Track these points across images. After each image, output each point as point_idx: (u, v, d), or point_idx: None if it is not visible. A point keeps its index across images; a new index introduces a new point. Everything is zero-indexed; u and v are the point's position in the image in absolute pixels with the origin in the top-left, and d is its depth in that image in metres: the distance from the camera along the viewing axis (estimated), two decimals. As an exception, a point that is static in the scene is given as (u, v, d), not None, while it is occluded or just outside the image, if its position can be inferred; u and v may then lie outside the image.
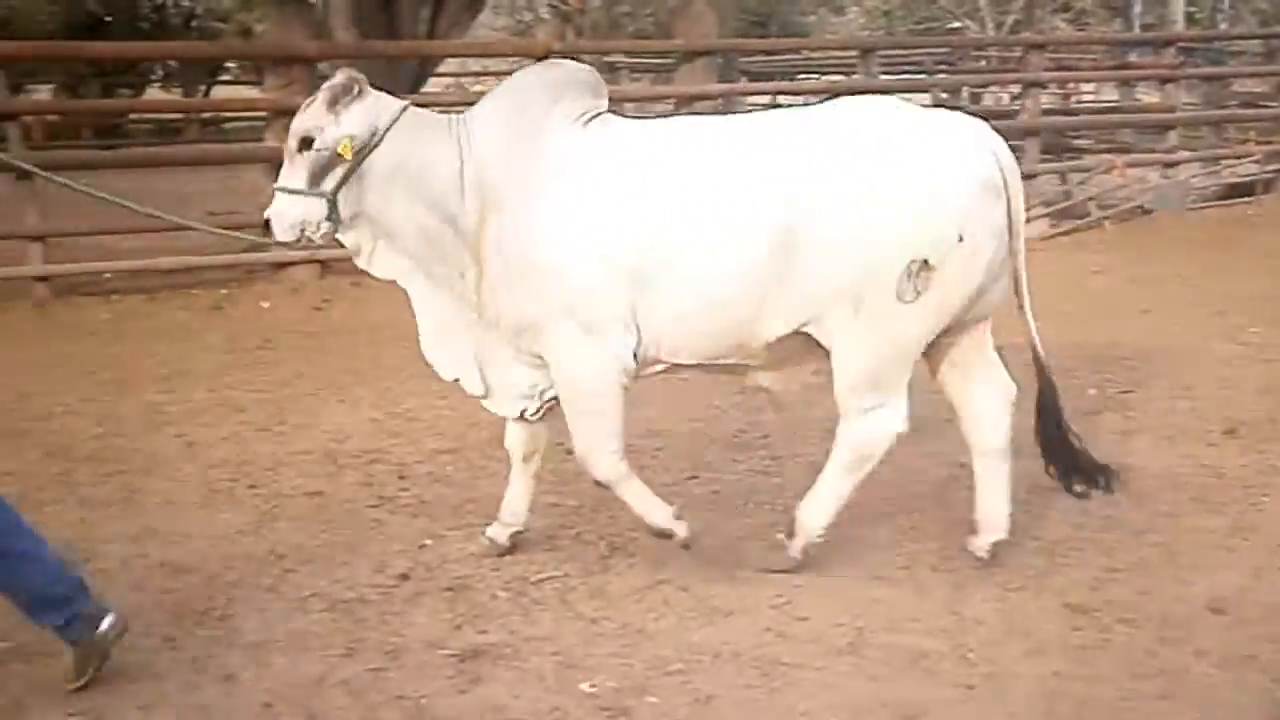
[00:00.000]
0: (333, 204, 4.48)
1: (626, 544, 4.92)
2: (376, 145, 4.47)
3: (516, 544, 4.88)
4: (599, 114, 4.59)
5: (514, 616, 4.36)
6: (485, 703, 3.81)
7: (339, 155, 4.45)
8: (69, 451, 6.12)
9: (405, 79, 12.20)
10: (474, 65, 25.04)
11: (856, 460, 4.52)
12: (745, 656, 4.07)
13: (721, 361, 4.56)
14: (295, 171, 4.50)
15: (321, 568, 4.77)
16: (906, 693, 3.85)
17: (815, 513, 4.61)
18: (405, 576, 4.68)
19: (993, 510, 4.67)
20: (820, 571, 4.62)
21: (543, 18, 28.03)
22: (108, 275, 10.25)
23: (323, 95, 4.50)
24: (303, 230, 4.51)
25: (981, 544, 4.68)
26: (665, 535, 4.67)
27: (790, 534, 4.66)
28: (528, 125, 4.50)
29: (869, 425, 4.46)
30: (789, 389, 4.69)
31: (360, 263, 4.68)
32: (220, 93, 25.16)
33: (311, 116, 4.49)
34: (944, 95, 17.83)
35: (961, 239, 4.28)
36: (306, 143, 4.47)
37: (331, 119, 4.46)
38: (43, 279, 9.85)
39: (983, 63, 22.77)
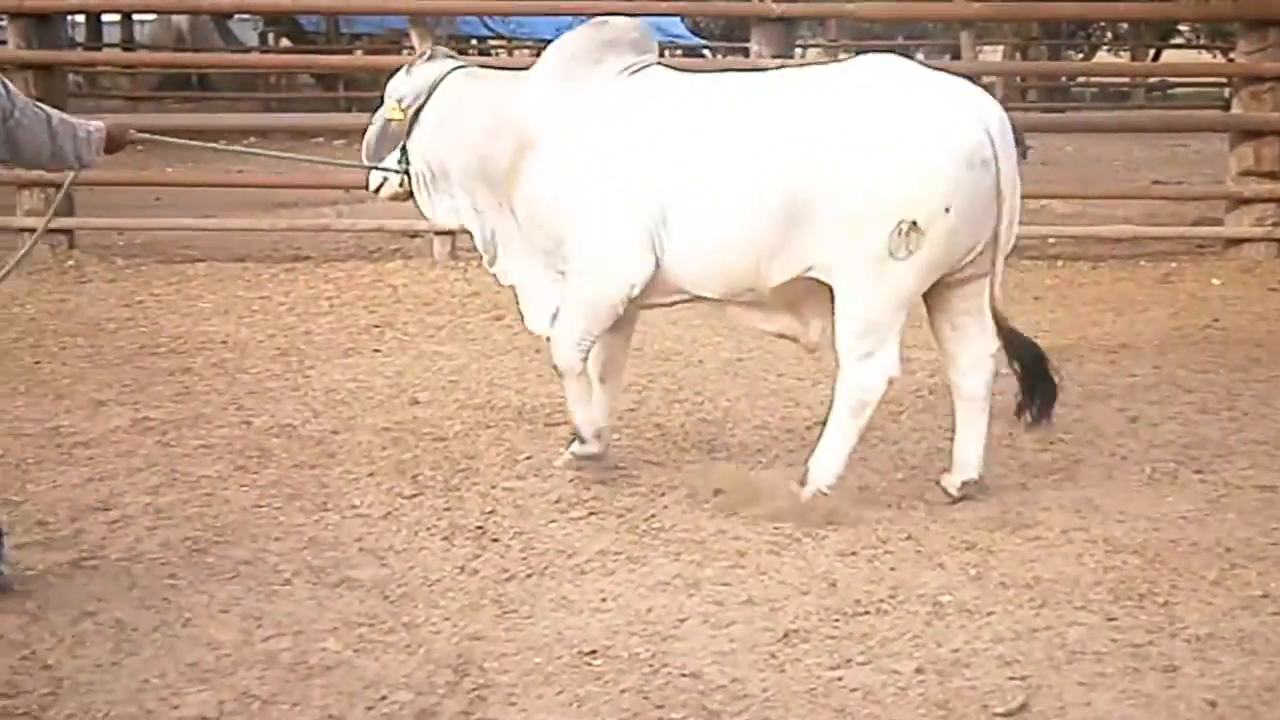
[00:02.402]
0: (404, 151, 5.45)
1: None
2: (426, 102, 5.38)
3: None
4: (644, 67, 5.19)
5: None
6: None
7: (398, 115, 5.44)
8: (1012, 415, 6.24)
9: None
10: None
11: (856, 406, 4.94)
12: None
13: (739, 298, 5.09)
14: (380, 130, 5.56)
15: (1273, 567, 4.56)
16: None
17: (824, 462, 5.01)
18: None
19: (968, 452, 5.13)
20: None
21: None
22: (1052, 240, 10.44)
23: (405, 67, 5.55)
24: (384, 180, 5.55)
25: (953, 481, 5.14)
26: (579, 439, 5.34)
27: (802, 482, 5.02)
28: (573, 78, 5.18)
29: (864, 371, 4.91)
30: (808, 337, 5.14)
31: (423, 206, 5.56)
32: (1169, 57, 24.70)
33: (396, 82, 5.51)
34: None
35: (948, 210, 4.70)
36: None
37: (406, 80, 5.47)
38: (990, 240, 10.20)
39: None
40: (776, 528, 4.84)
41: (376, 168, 5.56)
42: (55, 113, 4.39)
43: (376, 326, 8.15)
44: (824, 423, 5.11)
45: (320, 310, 8.64)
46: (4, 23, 13.32)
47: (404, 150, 5.46)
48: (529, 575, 4.48)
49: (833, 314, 4.95)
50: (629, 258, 5.05)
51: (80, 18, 26.88)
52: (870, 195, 4.73)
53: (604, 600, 4.28)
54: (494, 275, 5.61)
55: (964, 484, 5.15)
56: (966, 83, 5.03)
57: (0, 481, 5.29)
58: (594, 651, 3.91)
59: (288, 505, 5.06)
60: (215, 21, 27.52)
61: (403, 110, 5.44)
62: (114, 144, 4.54)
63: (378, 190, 5.64)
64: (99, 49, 26.42)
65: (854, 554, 4.64)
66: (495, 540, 4.76)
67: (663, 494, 5.22)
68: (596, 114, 5.12)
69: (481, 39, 27.44)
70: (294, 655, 3.88)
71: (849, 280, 4.84)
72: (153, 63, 23.14)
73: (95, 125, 4.48)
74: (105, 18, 28.77)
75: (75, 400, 6.49)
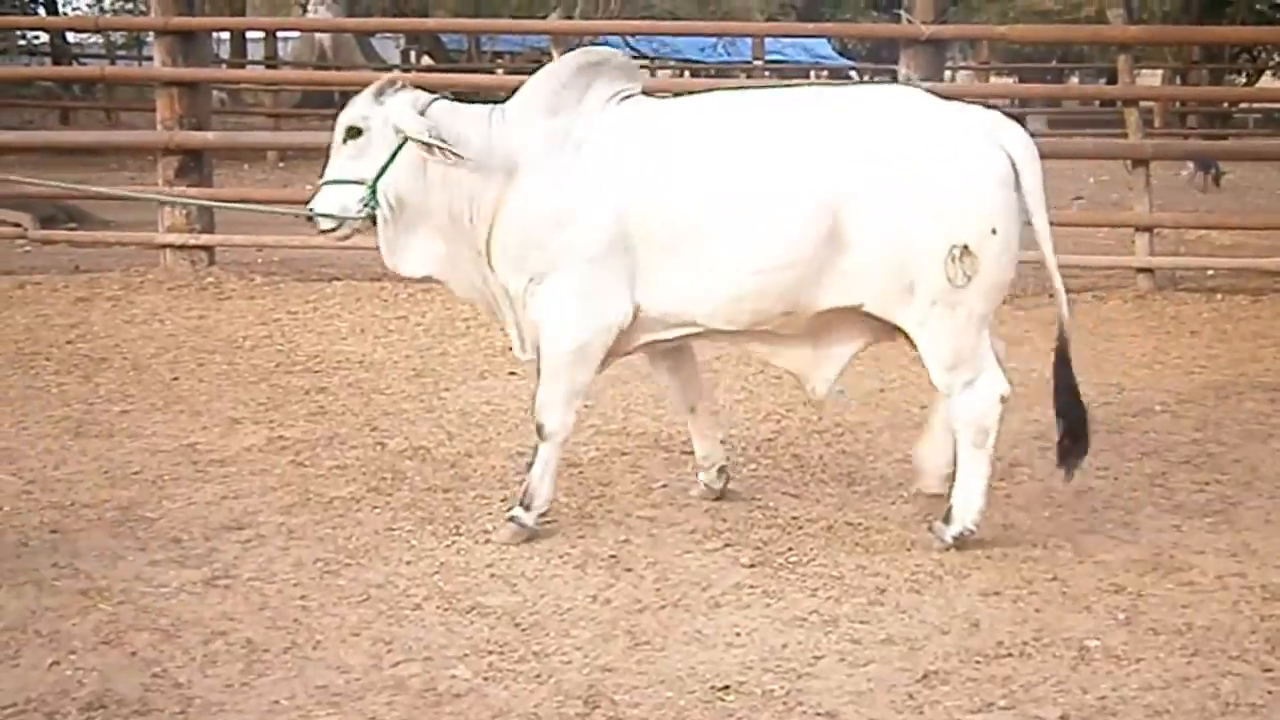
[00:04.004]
0: (373, 191, 5.03)
1: None
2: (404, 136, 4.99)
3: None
4: (630, 95, 5.09)
5: None
6: None
7: (381, 143, 5.01)
8: (1166, 454, 6.18)
9: None
10: None
11: (979, 434, 4.92)
12: None
13: (758, 330, 5.03)
14: (339, 162, 5.11)
15: None
16: None
17: (966, 499, 4.95)
18: None
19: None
20: None
21: None
22: (1210, 272, 10.24)
23: (370, 90, 5.08)
24: (342, 219, 5.08)
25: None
26: (526, 505, 5.03)
27: (947, 520, 4.97)
28: (559, 105, 5.04)
29: (973, 400, 4.91)
30: (823, 376, 5.13)
31: (385, 253, 5.14)
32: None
33: (358, 108, 5.08)
34: None
35: (994, 231, 4.78)
36: (354, 132, 5.07)
37: (377, 108, 5.04)
38: (1146, 270, 10.05)
39: None
40: (918, 565, 4.80)
41: (336, 217, 5.11)
42: None
43: (511, 349, 8.19)
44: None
45: (456, 331, 8.74)
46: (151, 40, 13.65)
47: (373, 189, 5.06)
48: (662, 607, 4.48)
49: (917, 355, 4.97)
50: (608, 295, 4.97)
51: (225, 35, 27.56)
52: (918, 229, 4.75)
53: (738, 635, 4.27)
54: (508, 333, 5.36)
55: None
56: (977, 107, 5.07)
57: (136, 498, 5.43)
58: (727, 687, 3.90)
59: (420, 529, 5.12)
60: (358, 39, 28.06)
61: (393, 138, 5.04)
62: None
63: (327, 231, 5.20)
64: (242, 66, 27.05)
65: (997, 594, 4.58)
66: (629, 570, 4.77)
67: (800, 527, 5.20)
68: (588, 142, 5.00)
69: (622, 59, 27.61)
70: (423, 681, 3.92)
71: (920, 320, 4.86)
72: (295, 80, 23.62)
73: None
74: (250, 35, 29.49)
75: (211, 417, 6.63)
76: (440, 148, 4.93)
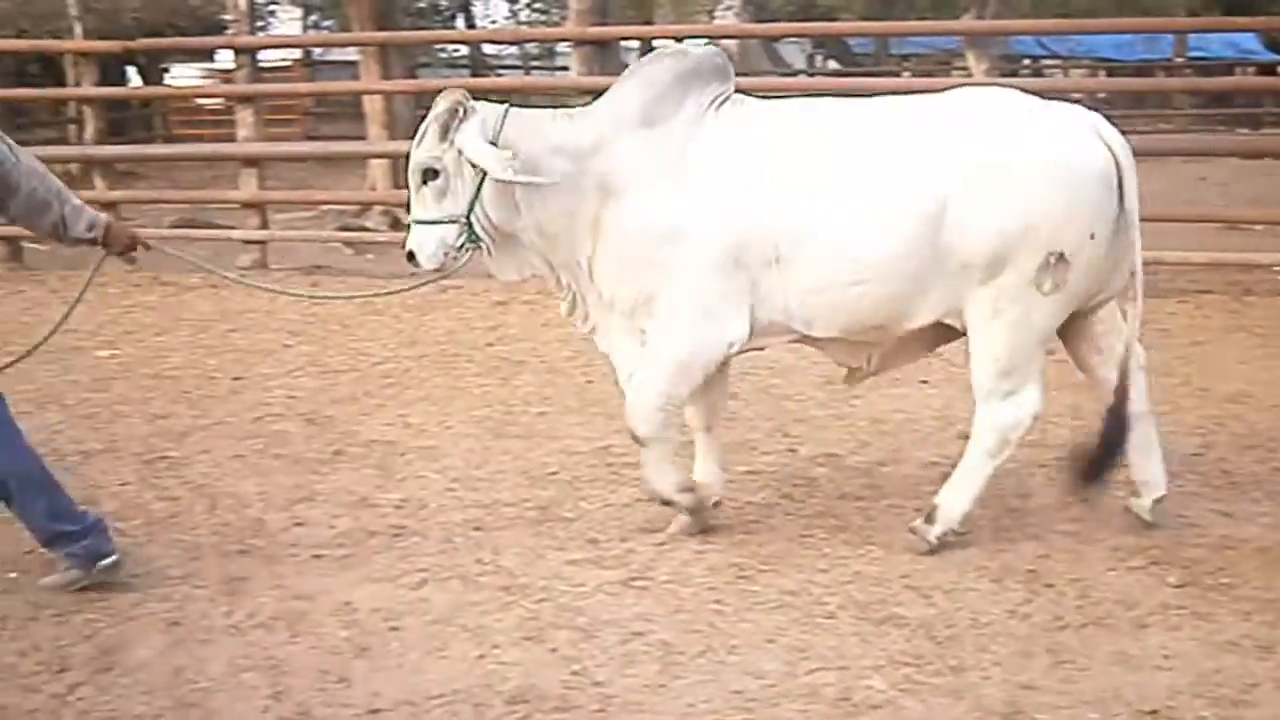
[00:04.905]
0: (469, 223, 4.91)
1: None
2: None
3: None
4: (729, 97, 4.98)
5: None
6: None
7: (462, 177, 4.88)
8: None
9: None
10: None
11: (998, 444, 4.93)
12: None
13: (859, 337, 4.97)
14: (424, 203, 4.95)
15: None
16: None
17: (956, 499, 4.99)
18: None
19: (1150, 470, 5.12)
20: None
21: None
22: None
23: (433, 127, 4.91)
24: (446, 256, 4.96)
25: (1144, 504, 5.14)
26: (666, 502, 5.13)
27: (929, 520, 4.98)
28: (658, 113, 4.92)
29: (1009, 409, 4.88)
30: (876, 372, 5.21)
31: (493, 269, 5.14)
32: None
33: (427, 149, 4.92)
34: None
35: (1093, 236, 4.70)
36: (431, 174, 4.92)
37: (448, 146, 4.87)
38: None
39: None
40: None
41: (435, 271, 5.05)
42: (67, 190, 4.71)
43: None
44: None
45: (865, 338, 8.70)
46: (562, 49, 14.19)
47: (469, 222, 4.96)
48: (1084, 625, 4.37)
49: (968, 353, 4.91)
50: (729, 313, 4.88)
51: (634, 44, 28.33)
52: (1020, 229, 4.67)
53: (1166, 657, 4.13)
54: (590, 338, 5.32)
55: (1155, 502, 5.12)
56: (1079, 107, 4.97)
57: (555, 498, 5.64)
58: (1154, 712, 3.79)
59: (833, 537, 5.14)
60: (763, 44, 28.36)
61: (474, 166, 4.90)
62: (112, 239, 4.80)
63: (431, 271, 5.07)
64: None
65: None
66: (1049, 585, 4.67)
67: (1233, 547, 4.99)
68: (689, 154, 4.90)
69: (1035, 58, 27.05)
70: (838, 691, 3.94)
71: (988, 320, 4.78)
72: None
73: (101, 216, 4.78)
74: (657, 43, 30.20)
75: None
76: (527, 181, 4.85)
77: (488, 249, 5.06)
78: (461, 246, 4.99)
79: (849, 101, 5.12)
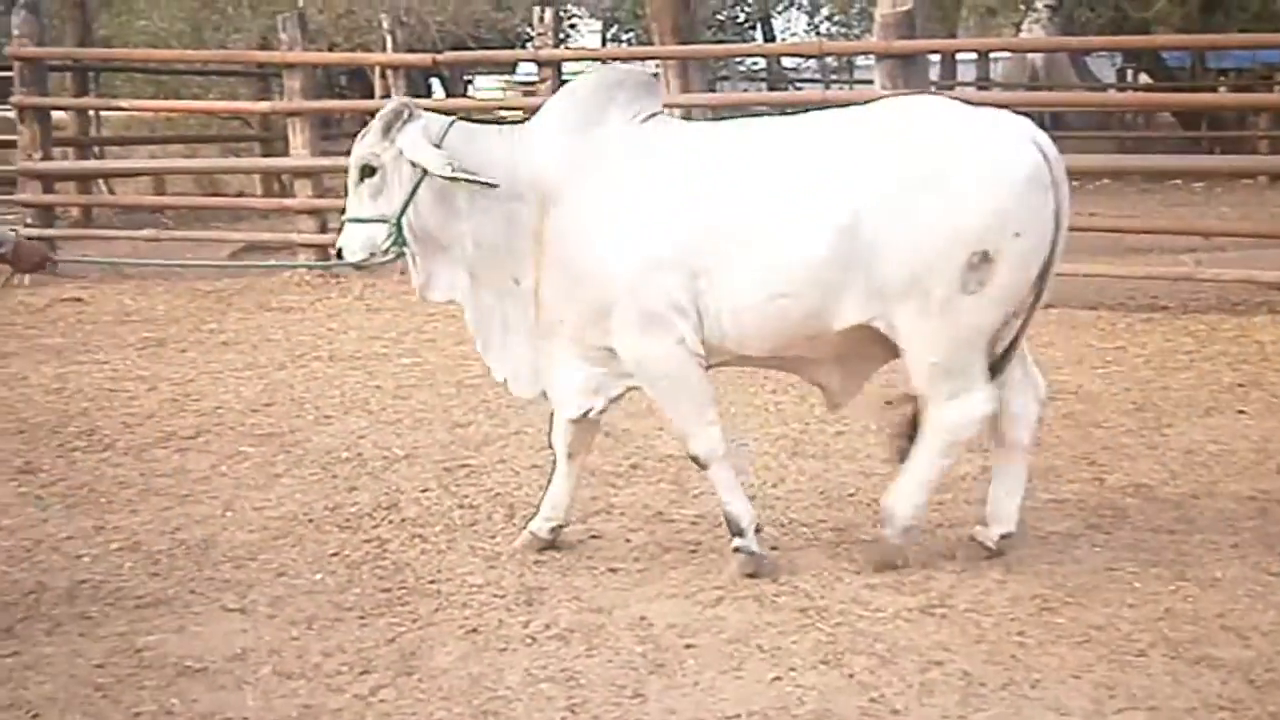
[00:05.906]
0: (398, 226, 4.95)
1: None
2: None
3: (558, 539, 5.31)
4: (654, 114, 5.04)
5: None
6: None
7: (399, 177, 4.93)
8: None
9: None
10: None
11: (947, 445, 4.94)
12: None
13: (787, 354, 4.97)
14: (360, 200, 5.01)
15: None
16: None
17: (904, 499, 5.02)
18: None
19: (1008, 505, 5.12)
20: None
21: None
22: None
23: (377, 124, 4.96)
24: (370, 254, 5.02)
25: (990, 534, 5.11)
26: (737, 531, 5.05)
27: (882, 525, 5.05)
28: (585, 125, 4.97)
29: (954, 410, 4.87)
30: (847, 390, 5.13)
31: (417, 283, 5.11)
32: None
33: (368, 145, 4.98)
34: None
35: (1018, 235, 4.70)
36: (368, 171, 4.98)
37: (388, 144, 4.92)
38: None
39: None
40: None
41: (355, 265, 5.13)
42: None
43: (1241, 385, 7.85)
44: None
45: (1179, 365, 8.45)
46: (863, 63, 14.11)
47: (398, 225, 4.99)
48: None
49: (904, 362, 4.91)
50: (672, 319, 4.86)
51: (935, 57, 28.04)
52: (940, 230, 4.69)
53: None
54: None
55: (1002, 537, 5.10)
56: (1006, 111, 5.01)
57: (852, 519, 5.62)
58: None
59: (1143, 571, 5.00)
60: (1071, 58, 27.75)
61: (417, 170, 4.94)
62: (20, 257, 5.05)
63: (358, 264, 5.15)
64: (952, 87, 27.39)
65: None
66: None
67: None
68: (616, 164, 4.93)
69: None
70: (1148, 732, 3.83)
71: (917, 325, 4.77)
72: (1002, 101, 23.67)
73: (10, 234, 5.10)
74: (960, 56, 29.83)
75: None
76: (467, 179, 4.87)
77: (412, 256, 5.10)
78: (387, 250, 5.06)
79: (771, 121, 5.20)
